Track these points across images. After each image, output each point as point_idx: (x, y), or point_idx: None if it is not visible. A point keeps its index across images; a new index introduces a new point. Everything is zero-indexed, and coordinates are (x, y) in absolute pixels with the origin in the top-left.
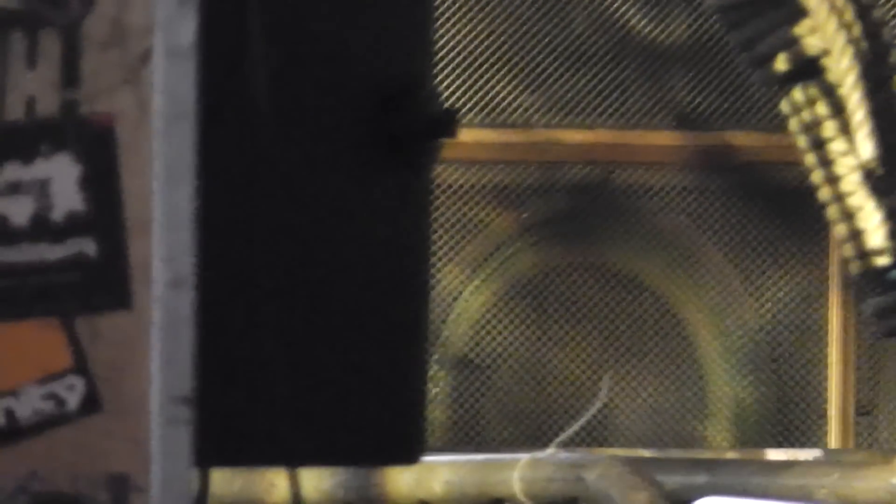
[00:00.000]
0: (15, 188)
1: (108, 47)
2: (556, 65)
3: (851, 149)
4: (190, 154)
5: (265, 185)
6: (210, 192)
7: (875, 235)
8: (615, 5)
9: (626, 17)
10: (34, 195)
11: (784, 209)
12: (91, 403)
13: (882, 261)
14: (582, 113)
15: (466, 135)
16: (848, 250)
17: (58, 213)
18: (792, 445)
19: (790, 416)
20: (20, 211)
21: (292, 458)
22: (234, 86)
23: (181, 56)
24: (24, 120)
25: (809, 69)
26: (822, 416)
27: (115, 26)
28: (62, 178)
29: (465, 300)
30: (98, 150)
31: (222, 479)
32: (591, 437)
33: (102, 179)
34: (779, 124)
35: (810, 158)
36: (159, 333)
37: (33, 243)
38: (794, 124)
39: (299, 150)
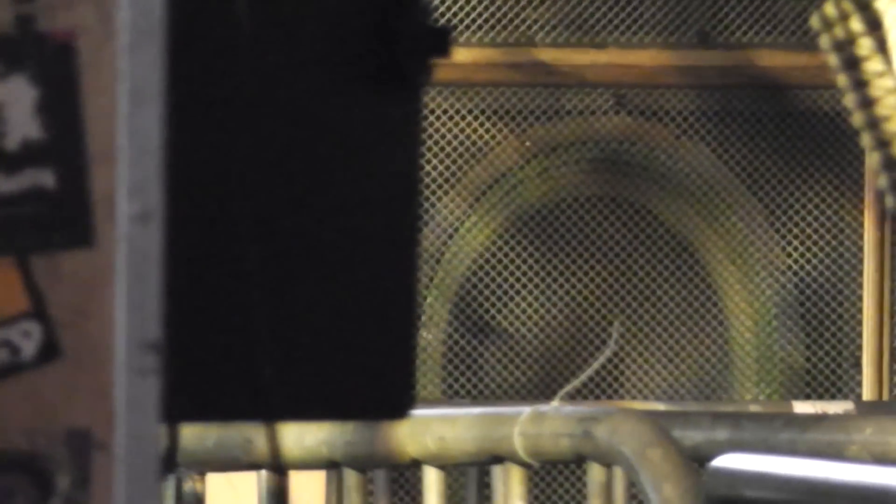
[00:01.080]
0: None
1: None
2: None
3: (888, 69)
4: (158, 74)
5: (243, 107)
6: (181, 116)
7: None
8: None
9: None
10: None
11: (814, 136)
12: (49, 351)
13: None
14: (591, 30)
15: (463, 54)
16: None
17: (12, 141)
18: (821, 397)
19: (819, 366)
20: None
21: (271, 412)
22: None
23: None
24: None
25: None
26: (855, 365)
27: None
28: (16, 101)
29: (462, 236)
30: (57, 71)
31: (194, 435)
32: (601, 388)
33: (61, 103)
34: (809, 42)
35: (843, 79)
36: (125, 273)
37: None
38: (825, 41)
39: (281, 69)
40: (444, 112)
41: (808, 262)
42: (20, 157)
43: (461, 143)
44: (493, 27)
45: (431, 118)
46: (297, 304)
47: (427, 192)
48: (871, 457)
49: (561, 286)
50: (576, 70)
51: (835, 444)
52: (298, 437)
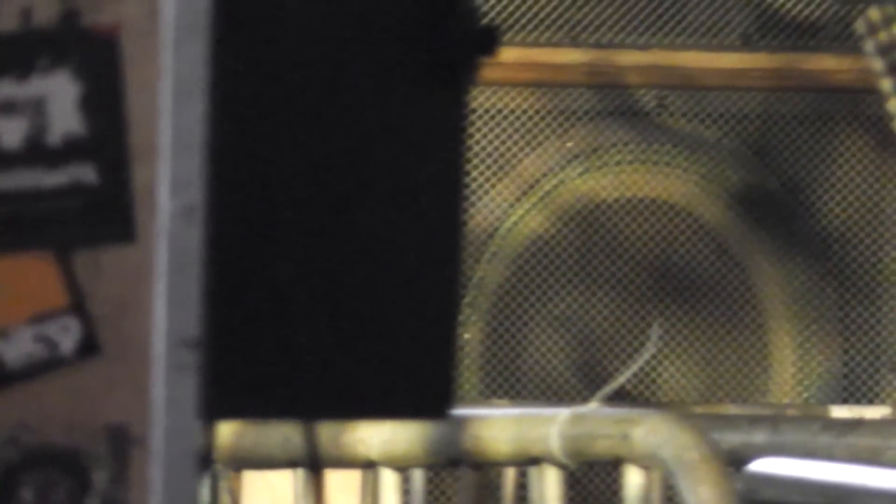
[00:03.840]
0: (8, 107)
1: None
2: None
3: None
4: (202, 70)
5: (289, 104)
6: (225, 113)
7: None
8: None
9: None
10: (29, 115)
11: (856, 140)
12: (88, 347)
13: None
14: (636, 31)
15: (508, 53)
16: None
17: (54, 136)
18: (858, 402)
19: (857, 370)
20: (13, 132)
21: (309, 411)
22: None
23: None
24: (18, 31)
25: None
26: (893, 370)
27: None
28: (60, 96)
29: (502, 237)
30: (100, 66)
31: (232, 433)
32: (639, 391)
33: (105, 98)
34: (853, 45)
35: (886, 84)
36: (165, 269)
37: (27, 168)
38: (869, 46)
39: (329, 67)
40: (487, 111)
41: (848, 266)
42: (62, 152)
43: (504, 143)
44: (536, 27)
45: (474, 117)
46: (338, 303)
47: (470, 192)
48: None
49: (601, 287)
50: (619, 71)
51: (872, 448)
52: (335, 435)
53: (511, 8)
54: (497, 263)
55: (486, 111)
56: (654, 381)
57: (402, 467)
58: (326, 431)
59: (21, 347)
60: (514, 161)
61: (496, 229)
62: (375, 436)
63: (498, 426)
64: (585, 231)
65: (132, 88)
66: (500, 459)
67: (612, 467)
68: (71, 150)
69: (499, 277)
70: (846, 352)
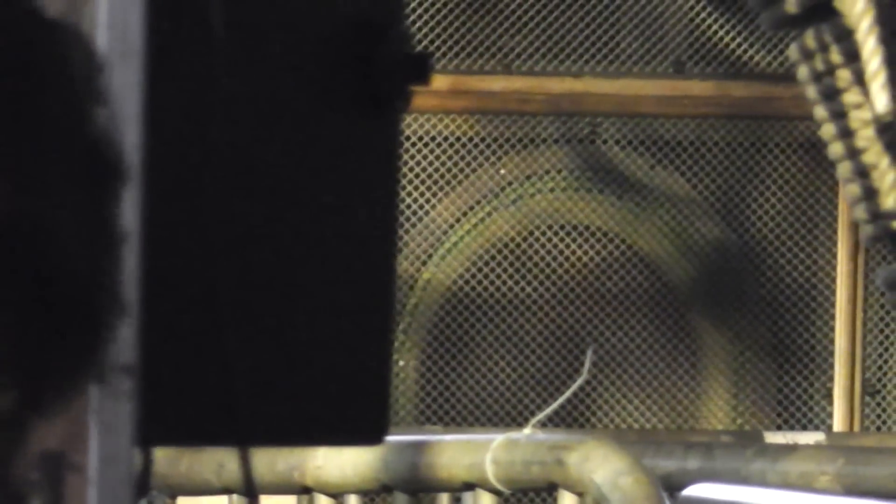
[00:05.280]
0: None
1: None
2: (539, 4)
3: (866, 100)
4: (136, 96)
5: (221, 129)
6: (159, 137)
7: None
8: None
9: None
10: None
11: (788, 167)
12: None
13: None
14: (568, 59)
15: (441, 81)
16: (859, 212)
17: None
18: (792, 428)
19: (791, 397)
20: None
21: (244, 437)
22: (186, 20)
23: None
24: None
25: (822, 11)
26: (826, 396)
27: None
28: None
29: (436, 264)
30: None
31: (167, 459)
32: (573, 416)
33: None
34: (786, 73)
35: (820, 111)
36: None
37: None
38: (803, 72)
39: (259, 93)
40: (421, 138)
41: (782, 292)
42: None
43: (437, 170)
44: (469, 55)
45: (408, 144)
46: (272, 329)
47: (403, 219)
48: (842, 488)
49: (535, 314)
50: (552, 98)
51: (806, 474)
52: (271, 462)
53: (444, 35)
54: (432, 290)
55: (420, 138)
56: (588, 406)
57: (336, 493)
58: (261, 458)
59: None
60: (447, 188)
61: (430, 256)
62: (309, 462)
63: (432, 452)
64: (519, 258)
65: None
66: (434, 486)
67: (546, 493)
68: None
69: (434, 304)
70: (780, 377)
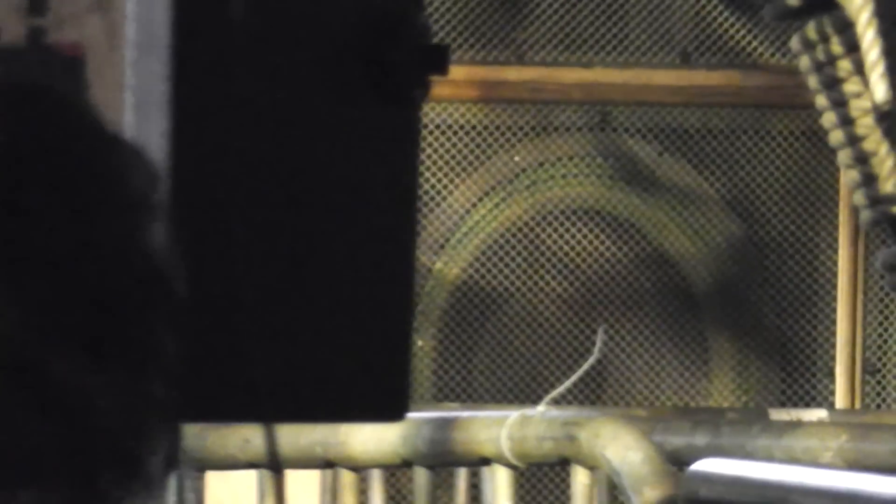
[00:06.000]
0: None
1: None
2: None
3: (865, 90)
4: (163, 87)
5: (244, 119)
6: (184, 127)
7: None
8: None
9: None
10: None
11: (792, 154)
12: None
13: None
14: (579, 49)
15: (457, 71)
16: (859, 198)
17: None
18: (796, 406)
19: (794, 375)
20: None
21: (268, 414)
22: (211, 13)
23: None
24: None
25: (823, 4)
26: (829, 375)
27: None
28: None
29: (452, 247)
30: (65, 82)
31: (193, 435)
32: (585, 394)
33: None
34: (788, 63)
35: (821, 99)
36: None
37: None
38: (805, 63)
39: (282, 84)
40: (438, 126)
41: (785, 274)
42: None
43: (453, 157)
44: (484, 46)
45: (425, 132)
46: (297, 310)
47: (421, 204)
48: (844, 463)
49: (548, 295)
50: (563, 88)
51: (810, 450)
52: (294, 437)
53: (460, 28)
54: (448, 272)
55: (437, 126)
56: (599, 385)
57: (358, 468)
58: (285, 433)
59: None
60: (463, 174)
61: (447, 240)
62: (332, 438)
63: (450, 428)
64: (533, 241)
65: (95, 103)
66: (452, 460)
67: (559, 467)
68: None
69: (450, 286)
70: (783, 357)
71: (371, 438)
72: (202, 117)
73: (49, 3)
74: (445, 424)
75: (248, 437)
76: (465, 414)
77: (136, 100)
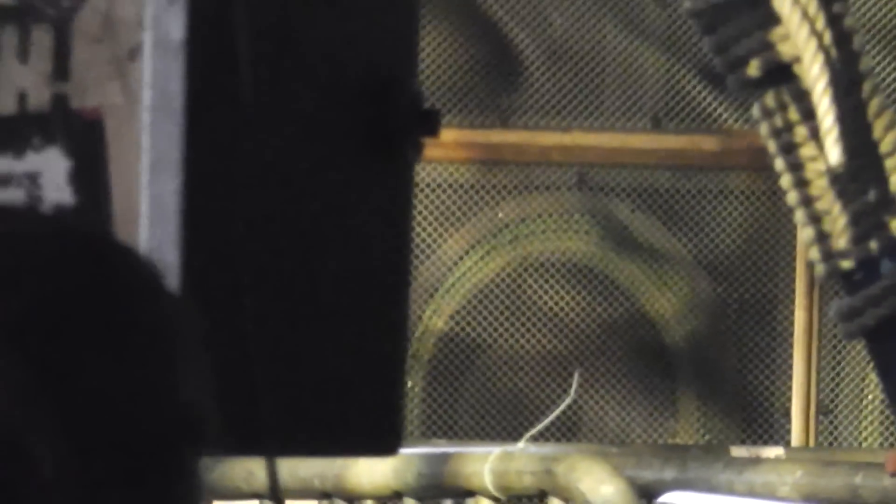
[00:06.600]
0: (6, 180)
1: (98, 42)
2: (533, 67)
3: (820, 154)
4: (177, 148)
5: (250, 178)
6: (196, 184)
7: (841, 239)
8: (591, 9)
9: (603, 22)
10: (25, 187)
11: (753, 212)
12: None
13: (847, 264)
14: (558, 115)
15: (448, 134)
16: (814, 253)
17: (47, 205)
18: (755, 443)
19: (754, 415)
20: (11, 202)
21: (271, 448)
22: (221, 81)
23: (170, 51)
24: (15, 113)
25: (781, 75)
26: (785, 414)
27: (106, 22)
28: (52, 170)
29: (441, 296)
30: (87, 143)
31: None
32: (562, 431)
33: (90, 172)
34: (749, 129)
35: (779, 163)
36: None
37: None
38: (764, 129)
39: (285, 145)
40: (429, 185)
41: (745, 322)
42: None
43: (443, 213)
44: (471, 111)
45: (418, 190)
46: (299, 351)
47: (413, 256)
48: (800, 496)
49: (528, 341)
50: (543, 150)
51: (768, 484)
52: (295, 470)
53: (450, 94)
54: (437, 319)
55: (428, 184)
56: (574, 423)
57: (353, 499)
58: (286, 467)
59: None
60: (451, 229)
61: (436, 289)
62: (330, 471)
63: (438, 463)
64: (515, 290)
65: (114, 164)
66: (440, 492)
67: (538, 499)
68: (61, 217)
69: (439, 331)
70: (744, 398)
71: (365, 472)
72: (212, 175)
73: (72, 70)
74: (434, 459)
75: (252, 469)
76: (452, 450)
77: (152, 160)
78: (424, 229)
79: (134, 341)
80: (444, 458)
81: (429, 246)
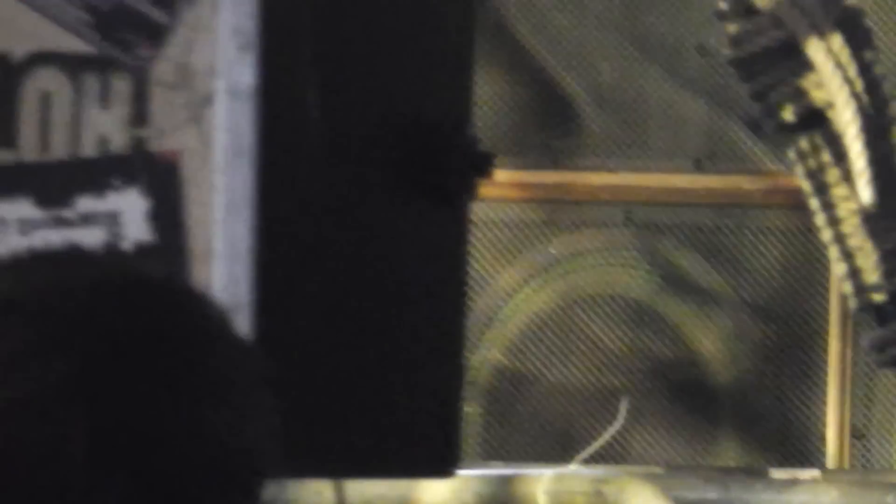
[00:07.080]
0: (89, 219)
1: (174, 89)
2: (582, 112)
3: (852, 194)
4: (249, 188)
5: (317, 218)
6: (269, 223)
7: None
8: (638, 58)
9: (648, 70)
10: (106, 226)
11: (790, 248)
12: None
13: (878, 297)
14: (605, 156)
15: (500, 175)
16: (847, 287)
17: (127, 243)
18: (793, 465)
19: (791, 439)
20: (93, 241)
21: (338, 470)
22: (290, 125)
23: (241, 97)
24: (97, 156)
25: (815, 120)
26: (821, 438)
27: (181, 69)
28: (131, 210)
29: (496, 327)
30: (164, 184)
31: (272, 490)
32: (611, 454)
33: (168, 211)
34: (786, 170)
35: (814, 202)
36: None
37: None
38: (799, 170)
39: (350, 186)
40: (484, 223)
41: (783, 352)
42: (133, 257)
43: (497, 249)
44: (523, 153)
45: (473, 227)
46: (365, 381)
47: (469, 289)
48: None
49: (579, 368)
50: (592, 189)
51: (806, 503)
52: (361, 490)
53: (504, 138)
54: (493, 348)
55: (484, 222)
56: (623, 446)
57: None
58: (352, 487)
59: None
60: (506, 263)
61: (491, 319)
62: (393, 491)
63: (494, 484)
64: (566, 322)
65: (190, 204)
66: None
67: None
68: (140, 255)
69: (494, 360)
70: (783, 423)
71: (426, 492)
72: (283, 215)
73: (150, 115)
74: (491, 480)
75: (320, 490)
76: (508, 472)
77: (225, 200)
78: (481, 264)
79: (197, 386)
80: (501, 479)
81: (484, 279)
